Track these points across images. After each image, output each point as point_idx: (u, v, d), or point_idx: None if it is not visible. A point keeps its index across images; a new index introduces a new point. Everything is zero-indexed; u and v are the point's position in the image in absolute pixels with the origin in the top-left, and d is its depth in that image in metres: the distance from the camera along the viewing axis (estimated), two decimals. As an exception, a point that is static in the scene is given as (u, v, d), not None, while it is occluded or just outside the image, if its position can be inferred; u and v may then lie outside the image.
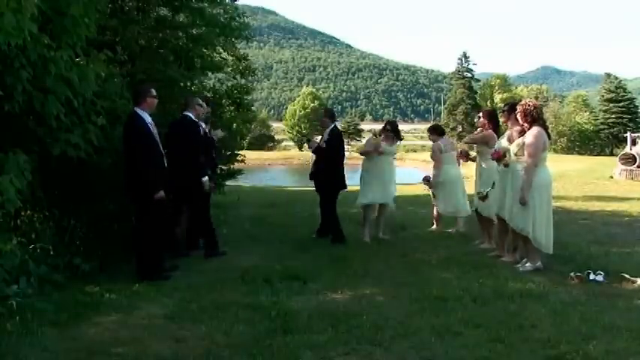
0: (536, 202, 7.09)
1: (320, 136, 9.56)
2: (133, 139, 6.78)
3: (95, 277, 6.50)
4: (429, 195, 10.66)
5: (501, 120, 8.50)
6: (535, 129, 7.12)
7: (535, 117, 7.20)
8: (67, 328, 4.96)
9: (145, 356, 4.43)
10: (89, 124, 6.54)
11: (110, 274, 6.73)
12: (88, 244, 7.02)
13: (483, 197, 8.24)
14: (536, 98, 78.93)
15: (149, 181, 6.69)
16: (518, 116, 7.32)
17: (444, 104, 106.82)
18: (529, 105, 7.30)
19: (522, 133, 7.32)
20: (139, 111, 6.86)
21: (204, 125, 8.35)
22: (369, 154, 9.33)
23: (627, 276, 6.59)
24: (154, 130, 6.93)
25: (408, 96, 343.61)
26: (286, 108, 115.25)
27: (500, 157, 7.58)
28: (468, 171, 11.94)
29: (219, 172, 10.86)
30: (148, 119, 6.88)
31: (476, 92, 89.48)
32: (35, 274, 5.81)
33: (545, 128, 7.32)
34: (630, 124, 62.10)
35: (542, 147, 7.12)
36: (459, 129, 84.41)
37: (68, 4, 6.01)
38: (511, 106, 7.98)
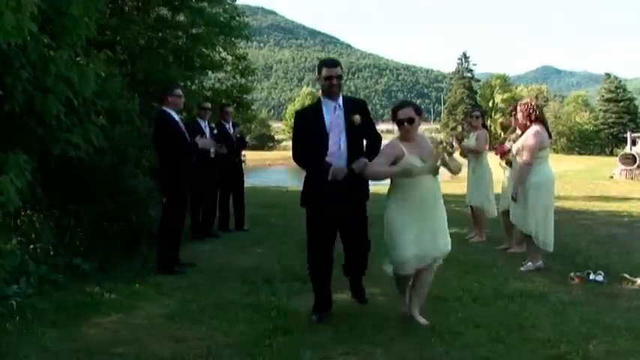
0: (532, 200, 7.08)
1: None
2: (162, 135, 6.98)
3: (95, 277, 6.50)
4: None
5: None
6: (533, 128, 7.14)
7: (537, 116, 7.22)
8: (67, 328, 4.96)
9: (145, 356, 4.43)
10: (89, 124, 6.55)
11: (110, 274, 6.72)
12: (88, 244, 7.02)
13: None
14: (536, 98, 79.11)
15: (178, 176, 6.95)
16: (519, 115, 7.37)
17: (444, 104, 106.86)
18: (531, 104, 7.34)
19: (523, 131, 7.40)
20: (166, 109, 7.03)
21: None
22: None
23: (627, 276, 6.58)
24: (183, 127, 7.20)
25: (408, 96, 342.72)
26: (286, 108, 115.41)
27: (506, 152, 7.84)
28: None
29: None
30: (176, 117, 7.11)
31: (476, 92, 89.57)
32: (35, 274, 5.82)
33: (546, 127, 7.33)
34: (630, 124, 62.18)
35: (540, 146, 7.10)
36: (459, 129, 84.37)
37: (68, 4, 6.02)
38: (515, 108, 8.05)
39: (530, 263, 7.19)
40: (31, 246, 6.22)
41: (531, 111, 7.24)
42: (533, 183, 7.06)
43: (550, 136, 7.40)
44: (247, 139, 10.71)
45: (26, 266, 5.79)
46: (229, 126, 10.07)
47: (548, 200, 7.22)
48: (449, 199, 14.35)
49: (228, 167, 9.94)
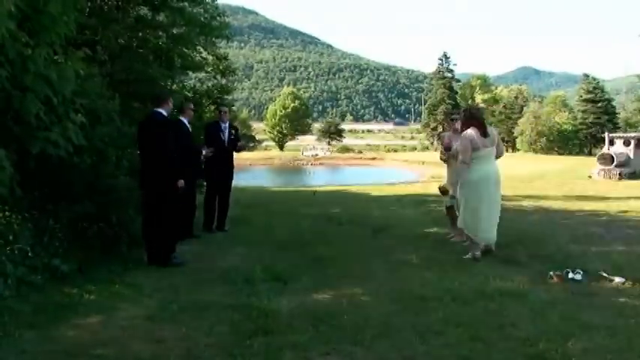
0: (463, 196, 7.86)
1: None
2: (156, 132, 7.43)
3: (74, 278, 6.43)
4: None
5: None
6: (465, 132, 7.78)
7: (464, 120, 8.00)
8: (46, 330, 4.91)
9: (125, 357, 4.39)
10: (68, 122, 6.48)
11: (90, 275, 6.66)
12: (67, 245, 6.95)
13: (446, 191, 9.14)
14: (516, 98, 79.76)
15: (171, 171, 7.41)
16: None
17: (424, 104, 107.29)
18: (462, 109, 8.44)
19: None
20: (159, 110, 7.51)
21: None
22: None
23: (605, 275, 6.66)
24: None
25: (389, 96, 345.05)
26: (267, 108, 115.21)
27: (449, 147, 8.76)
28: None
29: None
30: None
31: (456, 92, 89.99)
32: (13, 276, 5.74)
33: (480, 127, 7.79)
34: (608, 125, 62.75)
35: (473, 146, 7.66)
36: (440, 129, 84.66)
37: (46, 2, 5.96)
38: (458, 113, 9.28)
39: (469, 253, 7.78)
40: (9, 247, 6.14)
41: (461, 116, 8.17)
42: (465, 182, 7.78)
43: (485, 135, 7.81)
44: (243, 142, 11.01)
45: (4, 268, 5.72)
46: (225, 126, 10.13)
47: (481, 198, 7.75)
48: (430, 199, 14.43)
49: (217, 167, 9.99)
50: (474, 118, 7.90)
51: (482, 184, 7.75)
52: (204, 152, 9.47)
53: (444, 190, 9.25)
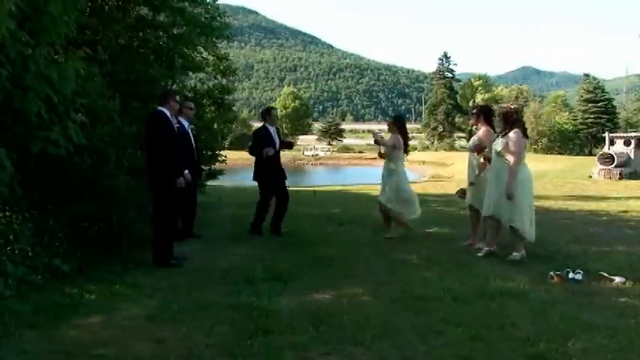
0: (520, 195, 7.56)
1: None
2: (157, 132, 7.35)
3: (75, 278, 6.43)
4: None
5: (470, 122, 9.33)
6: (517, 131, 7.63)
7: (516, 119, 7.79)
8: (46, 330, 4.91)
9: (125, 357, 4.39)
10: (68, 121, 6.48)
11: (90, 275, 6.66)
12: (67, 244, 6.95)
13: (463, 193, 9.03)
14: (516, 98, 79.75)
15: (169, 170, 7.35)
16: (499, 118, 7.91)
17: (424, 104, 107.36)
18: (510, 108, 7.91)
19: (502, 132, 7.84)
20: (162, 109, 7.45)
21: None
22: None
23: (605, 274, 6.66)
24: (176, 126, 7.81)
25: (389, 96, 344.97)
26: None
27: (482, 149, 8.36)
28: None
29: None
30: (170, 117, 7.55)
31: (457, 92, 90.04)
32: (13, 276, 5.74)
33: (524, 130, 7.83)
34: (608, 124, 62.81)
35: (524, 147, 7.73)
36: (440, 129, 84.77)
37: (46, 3, 5.96)
38: (479, 109, 8.89)
39: (515, 253, 7.59)
40: (9, 247, 6.14)
41: (509, 115, 7.81)
42: (519, 181, 7.58)
43: (527, 137, 7.98)
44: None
45: (4, 268, 5.71)
46: (274, 129, 10.05)
47: (530, 195, 7.85)
48: (430, 199, 14.43)
49: (273, 170, 9.88)
50: (520, 119, 7.94)
51: (530, 183, 7.85)
52: (266, 152, 9.65)
53: (462, 195, 9.27)
